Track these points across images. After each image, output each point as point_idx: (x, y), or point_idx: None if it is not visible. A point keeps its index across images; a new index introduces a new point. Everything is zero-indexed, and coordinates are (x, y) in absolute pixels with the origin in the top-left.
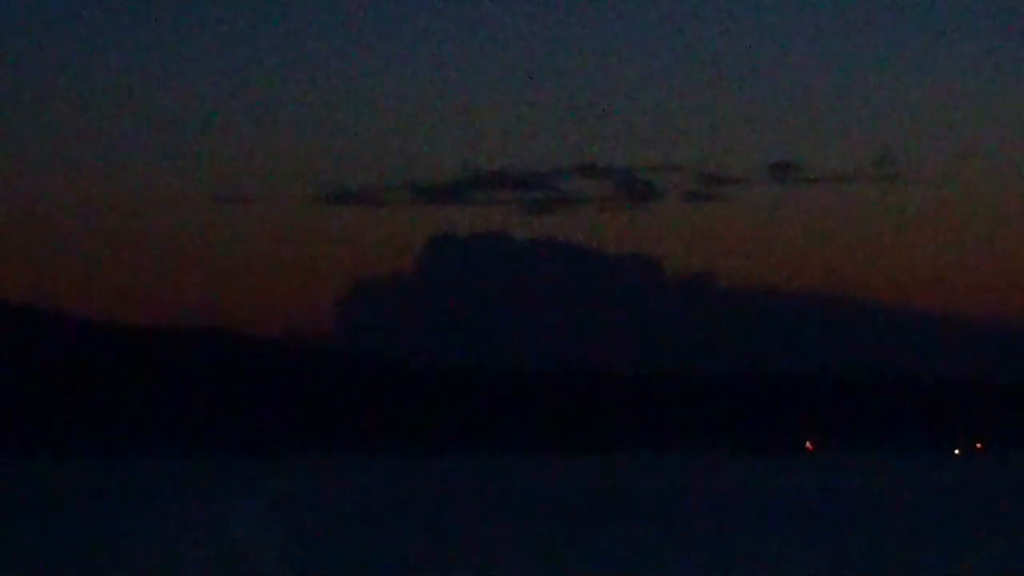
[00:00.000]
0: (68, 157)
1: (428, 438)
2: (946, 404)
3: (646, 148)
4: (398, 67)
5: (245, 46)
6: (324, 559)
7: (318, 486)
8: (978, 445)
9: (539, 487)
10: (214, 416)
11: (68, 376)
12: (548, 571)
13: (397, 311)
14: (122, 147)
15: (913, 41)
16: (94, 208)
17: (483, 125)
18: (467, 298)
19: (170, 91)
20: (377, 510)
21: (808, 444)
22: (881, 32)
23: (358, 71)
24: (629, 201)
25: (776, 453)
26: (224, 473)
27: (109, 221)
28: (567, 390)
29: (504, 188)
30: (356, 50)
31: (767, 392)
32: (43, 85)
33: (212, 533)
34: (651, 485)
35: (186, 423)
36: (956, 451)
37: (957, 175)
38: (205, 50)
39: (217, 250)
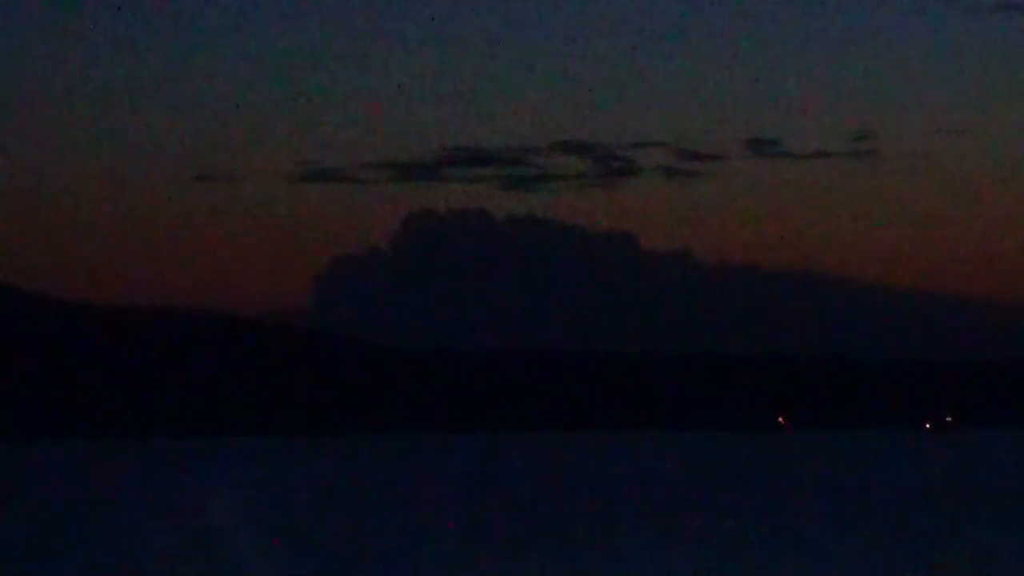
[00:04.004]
0: (45, 138)
1: (404, 417)
2: (923, 381)
3: (624, 124)
4: (374, 44)
5: (221, 26)
6: (302, 539)
7: (295, 466)
8: (948, 419)
9: (521, 466)
10: (190, 396)
11: (44, 357)
12: (533, 547)
13: (374, 290)
14: (99, 126)
15: (892, 18)
16: (70, 187)
17: (461, 102)
18: (445, 276)
19: (147, 71)
20: (353, 489)
21: (780, 419)
22: (860, 8)
23: (334, 49)
24: (607, 177)
25: (749, 431)
26: (201, 454)
27: (86, 200)
28: (544, 368)
29: (482, 165)
30: (332, 28)
31: (742, 369)
32: (17, 69)
33: (188, 514)
34: (624, 464)
35: (163, 403)
36: (927, 425)
37: (935, 153)
38: (181, 31)
39: (194, 229)
